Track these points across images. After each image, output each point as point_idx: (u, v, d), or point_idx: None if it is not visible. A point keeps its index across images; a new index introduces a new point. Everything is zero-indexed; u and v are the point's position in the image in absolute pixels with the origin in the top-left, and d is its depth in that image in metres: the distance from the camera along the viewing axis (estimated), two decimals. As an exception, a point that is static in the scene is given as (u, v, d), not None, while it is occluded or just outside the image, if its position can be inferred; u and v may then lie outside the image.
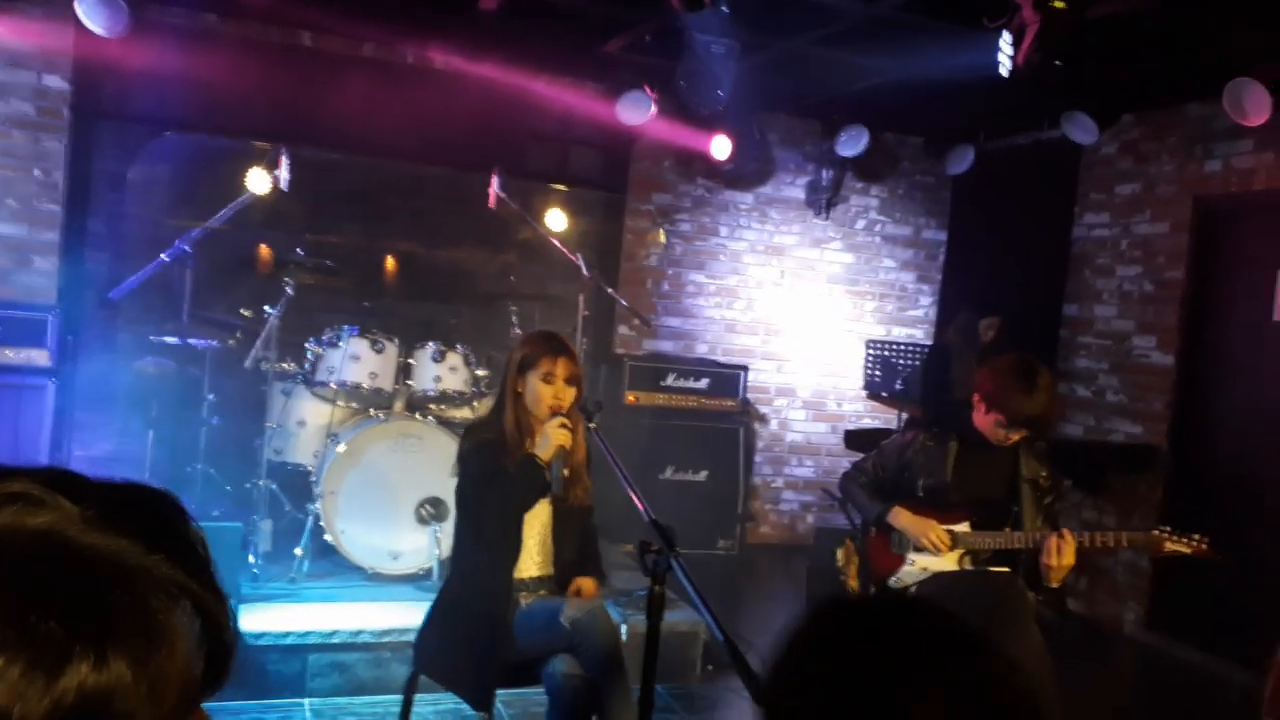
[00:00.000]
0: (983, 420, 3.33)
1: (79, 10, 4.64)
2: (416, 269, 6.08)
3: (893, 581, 3.44)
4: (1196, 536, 3.15)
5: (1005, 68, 4.27)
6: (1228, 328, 5.35)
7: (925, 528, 3.33)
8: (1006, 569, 3.35)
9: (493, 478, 2.83)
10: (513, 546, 2.88)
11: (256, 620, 3.90)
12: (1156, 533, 3.20)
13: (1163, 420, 5.51)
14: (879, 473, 3.55)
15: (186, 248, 4.47)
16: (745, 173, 6.43)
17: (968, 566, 3.37)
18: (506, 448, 2.88)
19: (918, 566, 3.40)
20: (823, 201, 6.70)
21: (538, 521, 2.97)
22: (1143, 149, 5.80)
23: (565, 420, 2.85)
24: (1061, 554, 3.08)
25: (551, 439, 2.80)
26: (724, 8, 4.41)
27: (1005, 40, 4.24)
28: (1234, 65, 4.52)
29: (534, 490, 2.81)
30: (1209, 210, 5.44)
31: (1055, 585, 3.15)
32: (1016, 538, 3.28)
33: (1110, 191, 6.00)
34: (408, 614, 3.88)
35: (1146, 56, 4.80)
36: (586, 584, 2.95)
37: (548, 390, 2.88)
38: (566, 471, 2.85)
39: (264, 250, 5.44)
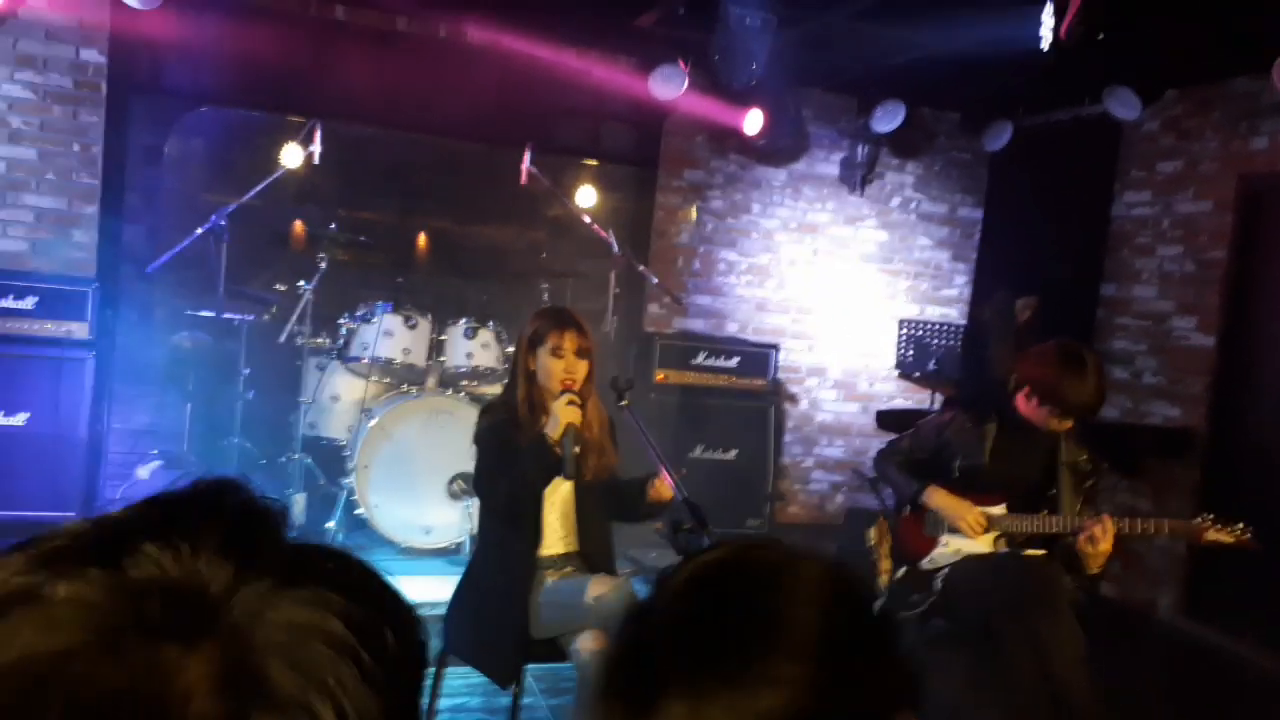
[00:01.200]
0: (1030, 409, 3.25)
1: (115, -17, 4.66)
2: (449, 245, 6.10)
3: (925, 563, 3.42)
4: (1240, 526, 3.08)
5: (1047, 41, 4.19)
6: (1271, 310, 5.24)
7: (962, 509, 3.29)
8: (1043, 552, 3.31)
9: (505, 458, 2.82)
10: (532, 525, 2.87)
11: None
12: (1199, 521, 3.14)
13: (1201, 403, 5.42)
14: (915, 452, 3.51)
15: (222, 222, 4.51)
16: (779, 149, 6.36)
17: (1002, 549, 3.34)
18: (520, 426, 2.87)
19: (951, 548, 3.37)
20: (857, 178, 6.62)
21: (559, 498, 2.95)
22: (1186, 125, 5.67)
23: (574, 397, 2.81)
24: (1100, 539, 3.03)
25: (560, 417, 2.76)
26: (759, -20, 4.35)
27: (1048, 13, 4.16)
28: (1282, 38, 4.40)
29: (544, 470, 2.78)
30: (1254, 189, 5.31)
31: (1094, 571, 3.10)
32: (1054, 521, 3.23)
33: (1152, 169, 5.87)
34: (440, 587, 3.91)
35: (1192, 29, 4.68)
36: (662, 489, 2.79)
37: (558, 364, 2.86)
38: (577, 449, 2.81)
39: (298, 225, 5.47)
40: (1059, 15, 4.09)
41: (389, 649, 0.55)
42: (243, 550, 0.54)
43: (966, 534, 3.31)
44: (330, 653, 0.52)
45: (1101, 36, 4.17)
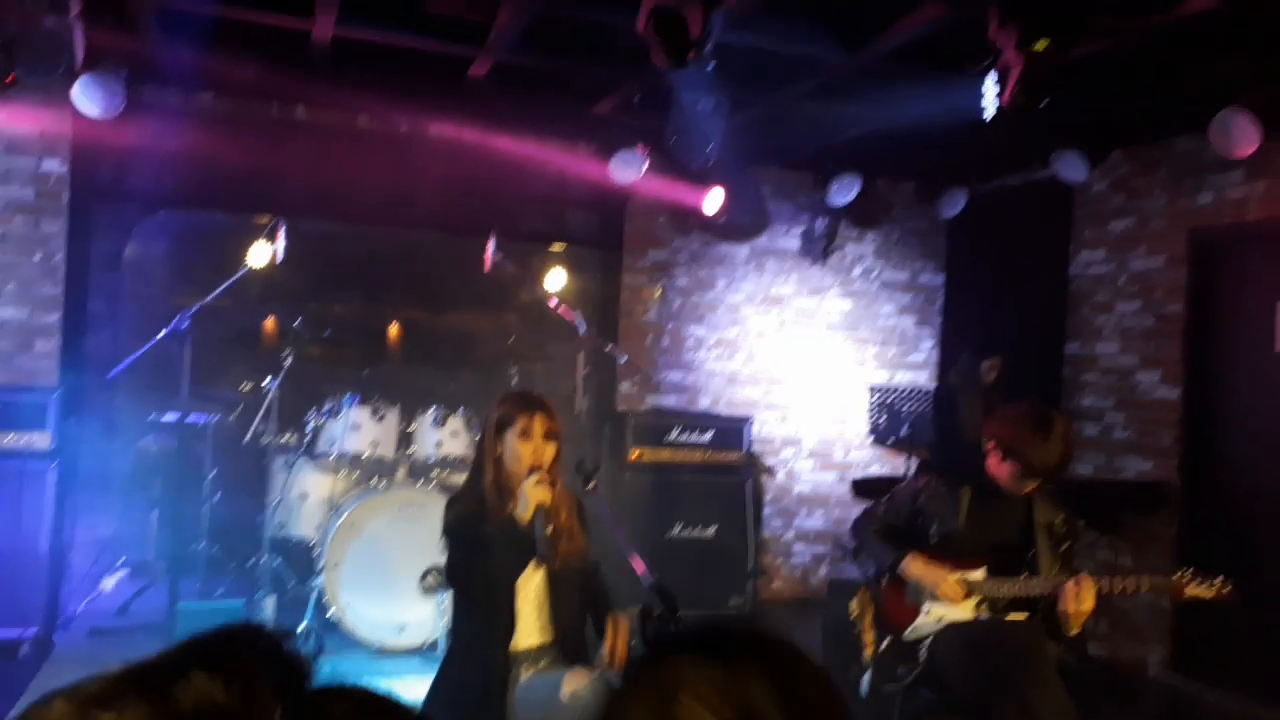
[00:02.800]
0: (998, 469, 3.27)
1: (75, 94, 4.71)
2: (418, 335, 6.10)
3: (909, 633, 3.37)
4: (1219, 580, 3.06)
5: (991, 111, 4.31)
6: (1232, 359, 5.31)
7: (940, 577, 3.26)
8: (1025, 615, 3.28)
9: (476, 548, 2.76)
10: (506, 617, 2.80)
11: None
12: (1176, 577, 3.12)
13: (1172, 455, 5.45)
14: (891, 520, 3.49)
15: (184, 324, 4.49)
16: (740, 225, 6.46)
17: (984, 615, 3.30)
18: (489, 513, 2.82)
19: (933, 616, 3.33)
20: (818, 250, 6.73)
21: (531, 588, 2.88)
22: (1134, 184, 5.82)
23: (542, 475, 2.77)
24: (1080, 599, 3.01)
25: (529, 497, 2.72)
26: (709, 66, 4.46)
27: (990, 83, 4.29)
28: (1218, 97, 4.55)
29: (517, 554, 2.72)
30: (1204, 242, 5.44)
31: (1075, 632, 3.06)
32: (1035, 584, 3.21)
33: (1104, 228, 6.01)
34: (415, 688, 3.79)
35: (1131, 93, 4.84)
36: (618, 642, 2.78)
37: (526, 447, 2.83)
38: (550, 529, 2.76)
39: (265, 323, 5.45)
40: (1002, 85, 4.22)
41: None
42: (286, 686, 0.57)
43: (946, 601, 3.27)
44: None
45: (1044, 104, 4.31)
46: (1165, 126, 5.44)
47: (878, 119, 5.38)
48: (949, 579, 3.25)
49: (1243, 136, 4.51)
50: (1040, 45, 3.99)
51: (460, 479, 4.82)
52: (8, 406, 4.57)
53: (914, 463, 6.33)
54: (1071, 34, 4.00)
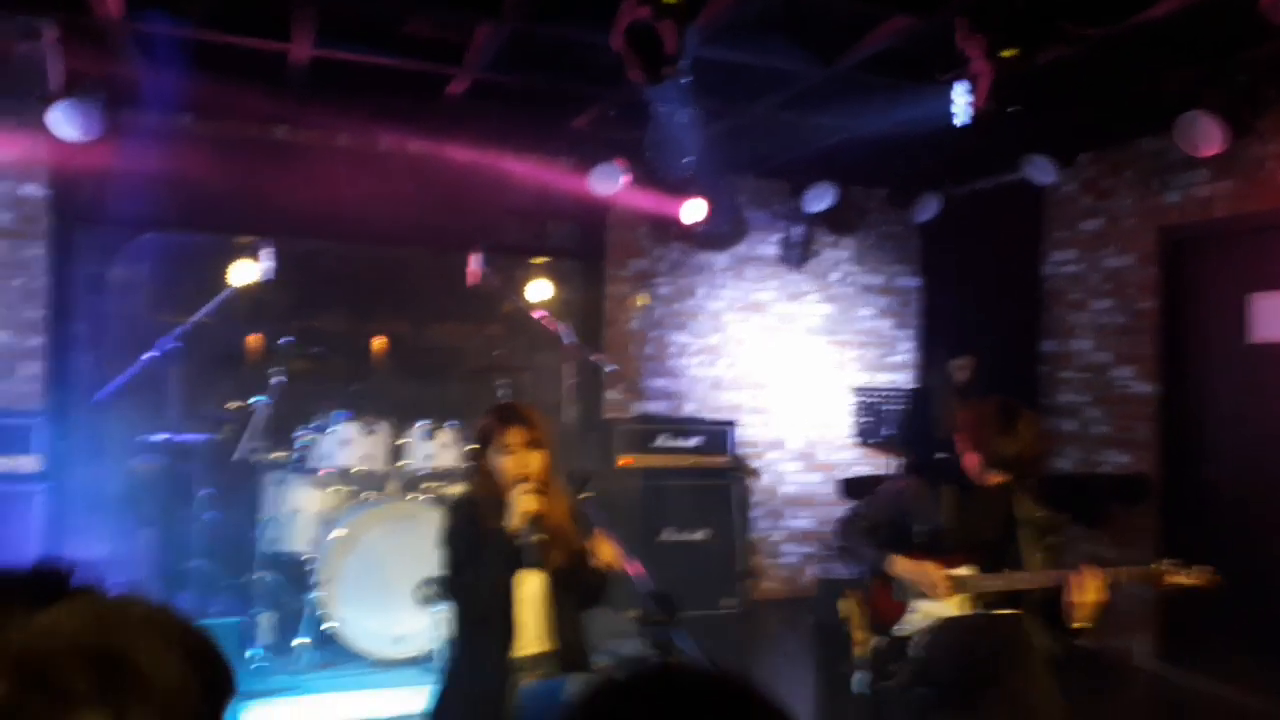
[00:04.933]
0: (967, 461, 3.37)
1: (51, 119, 4.71)
2: (404, 349, 6.13)
3: (897, 630, 3.44)
4: (1204, 567, 3.14)
5: (961, 117, 4.42)
6: (1205, 352, 5.45)
7: (925, 573, 3.34)
8: (1014, 611, 3.34)
9: (469, 557, 2.81)
10: (504, 625, 2.83)
11: (263, 717, 3.85)
12: (1156, 566, 3.19)
13: (1150, 448, 5.57)
14: (874, 520, 3.56)
15: (172, 344, 4.51)
16: (719, 234, 6.55)
17: (973, 610, 3.37)
18: (483, 523, 2.87)
19: (921, 613, 3.40)
20: (796, 257, 6.83)
21: (532, 597, 2.92)
22: (1103, 185, 5.95)
23: (531, 486, 2.81)
24: (1086, 590, 3.07)
25: (518, 506, 2.77)
26: (684, 79, 4.55)
27: (960, 91, 4.39)
28: (1183, 99, 4.68)
29: (506, 564, 2.77)
30: (1173, 240, 5.57)
31: (1083, 624, 3.10)
32: (1021, 578, 3.28)
33: (1075, 228, 6.14)
34: (414, 699, 3.83)
35: (1098, 97, 4.96)
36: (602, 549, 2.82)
37: (509, 460, 2.88)
38: (538, 538, 2.78)
39: (251, 341, 5.47)
40: (972, 92, 4.32)
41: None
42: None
43: (933, 598, 3.34)
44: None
45: (1012, 109, 4.42)
46: (1132, 129, 5.58)
47: (851, 128, 5.49)
48: (936, 576, 3.33)
49: (1207, 137, 4.64)
50: (1008, 53, 4.11)
51: (452, 490, 4.88)
52: (-4, 431, 4.57)
53: (898, 462, 6.43)
54: (1038, 41, 4.11)
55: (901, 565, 3.37)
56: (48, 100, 4.69)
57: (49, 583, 0.74)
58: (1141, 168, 5.68)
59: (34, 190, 5.30)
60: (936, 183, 6.50)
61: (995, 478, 3.33)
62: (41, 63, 4.70)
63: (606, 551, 2.80)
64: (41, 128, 4.82)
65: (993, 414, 3.31)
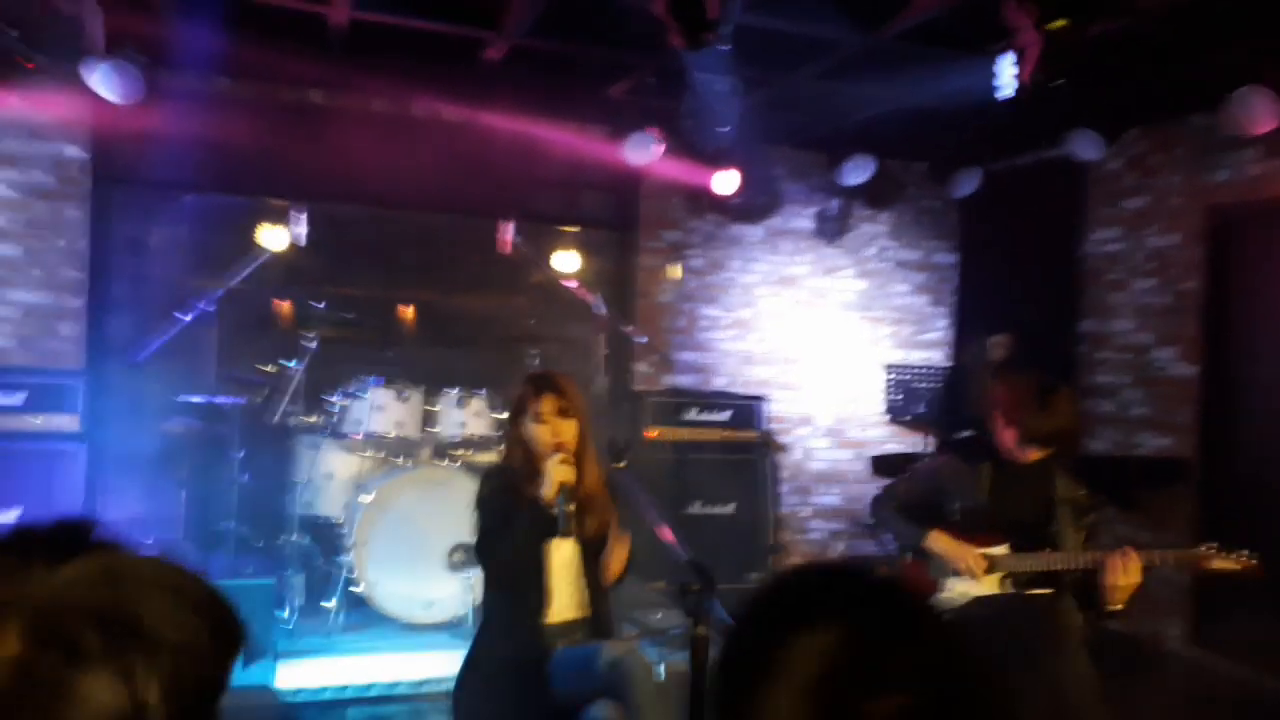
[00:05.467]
0: (1001, 435, 3.33)
1: (92, 80, 4.74)
2: (435, 317, 6.14)
3: (930, 607, 3.41)
4: (1245, 553, 3.10)
5: (1008, 90, 4.32)
6: (1250, 335, 5.33)
7: (962, 552, 3.31)
8: (1049, 590, 3.31)
9: (503, 523, 2.83)
10: (537, 591, 2.85)
11: (293, 676, 3.90)
12: (1201, 550, 3.16)
13: (1190, 432, 5.48)
14: (911, 497, 3.53)
15: (208, 307, 4.54)
16: (753, 206, 6.48)
17: (1008, 590, 3.34)
18: (519, 490, 2.88)
19: (956, 591, 3.38)
20: (832, 230, 6.75)
21: (564, 562, 2.94)
22: (1150, 162, 5.82)
23: (566, 455, 2.81)
24: (1126, 572, 3.04)
25: (552, 475, 2.78)
26: (724, 46, 4.48)
27: (1007, 62, 4.30)
28: (1235, 74, 4.55)
29: (538, 532, 2.79)
30: (1221, 220, 5.44)
31: (1118, 606, 3.08)
32: (1057, 559, 3.24)
33: (1118, 206, 6.01)
34: (444, 663, 3.87)
35: (1148, 70, 4.84)
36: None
37: (543, 429, 2.88)
38: (572, 507, 2.81)
39: (285, 306, 5.50)
40: (1018, 64, 4.23)
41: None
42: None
43: (968, 577, 3.31)
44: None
45: (1060, 81, 4.32)
46: (1182, 104, 5.44)
47: (892, 99, 5.40)
48: (972, 553, 3.30)
49: (1260, 114, 4.52)
50: (1058, 24, 4.01)
51: (484, 458, 4.90)
52: (36, 389, 4.63)
53: (931, 440, 6.37)
54: (1089, 12, 4.01)
55: (940, 542, 3.34)
56: (91, 61, 4.71)
57: (70, 538, 0.75)
58: (1192, 144, 5.55)
59: (75, 152, 5.34)
60: (976, 157, 6.38)
61: (1032, 454, 3.29)
62: (85, 23, 4.71)
63: (615, 563, 2.91)
64: (82, 90, 4.84)
65: (1029, 389, 3.27)
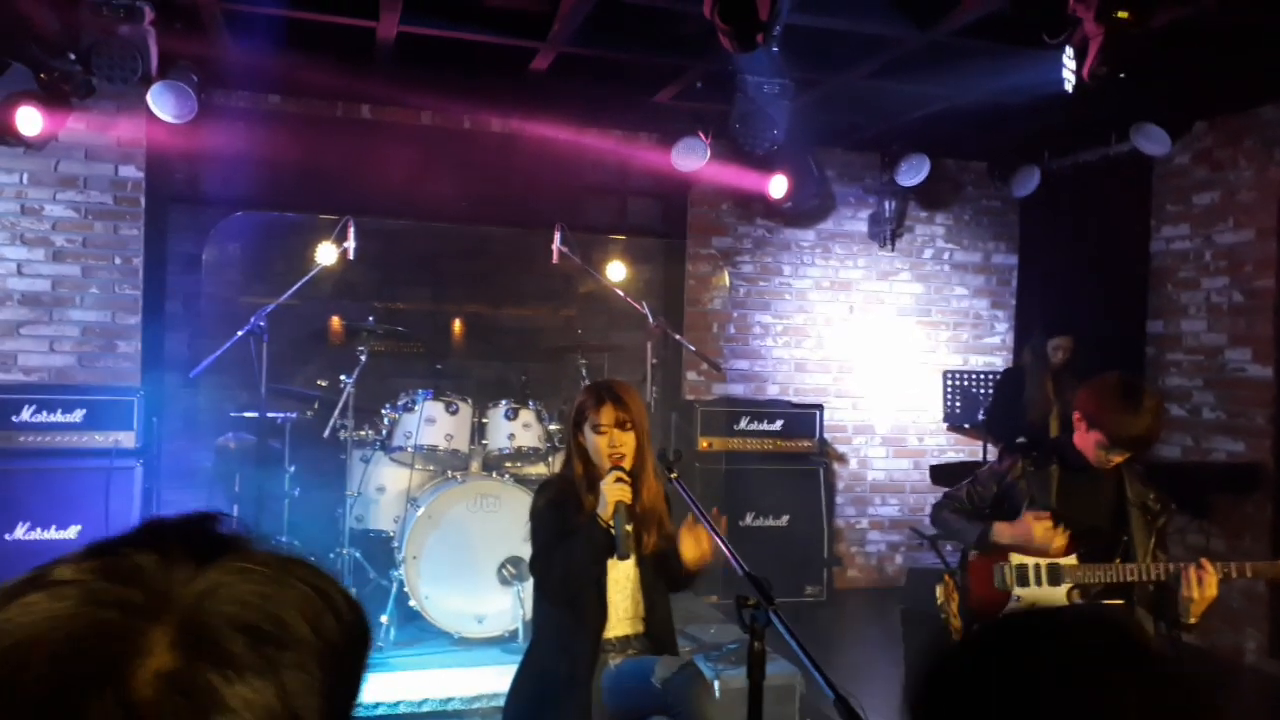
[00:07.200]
0: (1083, 440, 3.17)
1: (150, 100, 4.82)
2: (484, 329, 6.13)
3: (998, 621, 3.27)
4: None
5: (1070, 84, 4.17)
6: (1328, 334, 5.09)
7: (1030, 530, 3.13)
8: (1120, 602, 3.16)
9: (560, 537, 2.77)
10: (595, 606, 2.79)
11: (346, 691, 3.87)
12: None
13: (1266, 435, 5.24)
14: (974, 502, 3.39)
15: (261, 323, 4.56)
16: (805, 210, 6.37)
17: (1076, 601, 3.19)
18: (577, 503, 2.83)
19: (1024, 602, 3.23)
20: (886, 233, 6.61)
21: (623, 578, 2.88)
22: (1218, 156, 5.60)
23: (622, 474, 2.75)
24: (1203, 585, 2.88)
25: (608, 496, 2.72)
26: (775, 47, 4.39)
27: (1068, 56, 4.15)
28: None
29: (595, 551, 2.73)
30: (1297, 214, 5.21)
31: (1194, 620, 2.93)
32: (1129, 570, 3.09)
33: (1187, 202, 5.80)
34: (496, 678, 3.82)
35: (1215, 61, 4.65)
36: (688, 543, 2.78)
37: (602, 440, 2.82)
38: (630, 526, 2.74)
39: (336, 321, 5.53)
40: (1079, 57, 4.08)
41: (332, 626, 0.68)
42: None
43: (1043, 547, 3.13)
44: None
45: (1124, 75, 4.15)
46: (1251, 95, 5.23)
47: (947, 96, 5.26)
48: (1042, 525, 3.12)
49: (1339, 101, 4.30)
50: (1122, 14, 3.86)
51: (533, 471, 4.86)
52: (95, 407, 4.70)
53: (992, 449, 6.18)
54: (1152, 2, 3.85)
55: (1007, 532, 3.19)
56: (146, 82, 4.78)
57: (205, 535, 0.70)
58: (1262, 136, 5.32)
59: (131, 172, 5.43)
60: (1038, 155, 6.21)
61: (1115, 458, 3.13)
62: (142, 45, 4.78)
63: (691, 549, 2.74)
64: (139, 110, 4.91)
65: (1114, 390, 3.10)
